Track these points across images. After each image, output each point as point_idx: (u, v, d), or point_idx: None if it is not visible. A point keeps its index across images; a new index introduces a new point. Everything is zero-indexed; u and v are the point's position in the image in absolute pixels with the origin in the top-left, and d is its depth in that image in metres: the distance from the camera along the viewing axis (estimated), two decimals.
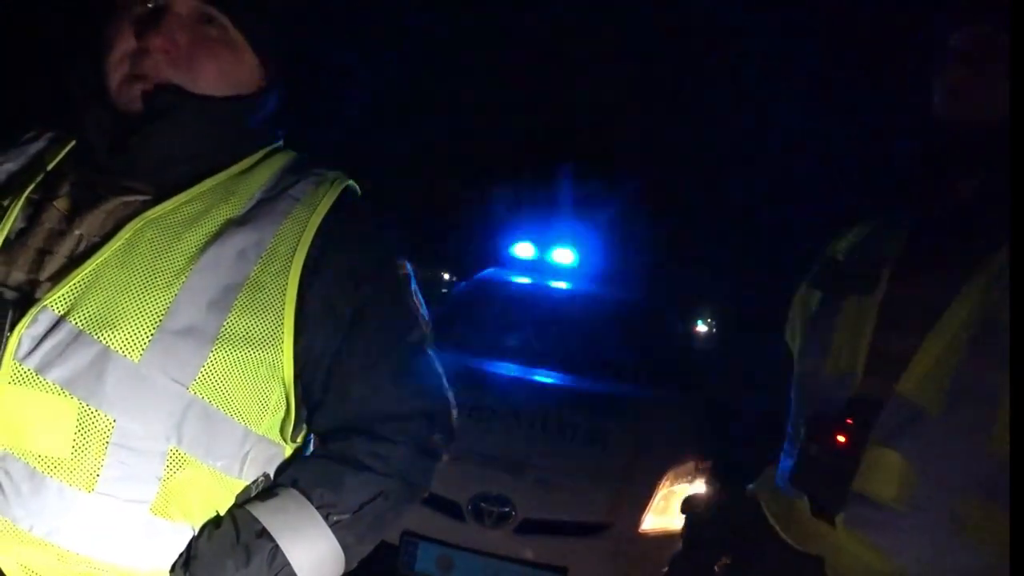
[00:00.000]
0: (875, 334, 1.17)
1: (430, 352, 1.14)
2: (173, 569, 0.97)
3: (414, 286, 1.15)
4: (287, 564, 0.97)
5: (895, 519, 1.08)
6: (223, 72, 1.04)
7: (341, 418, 1.08)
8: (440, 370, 1.14)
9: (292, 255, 1.02)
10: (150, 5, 1.01)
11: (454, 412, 1.14)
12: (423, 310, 1.15)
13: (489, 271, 4.77)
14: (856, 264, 1.29)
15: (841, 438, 1.12)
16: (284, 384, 1.02)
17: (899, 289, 1.19)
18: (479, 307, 4.28)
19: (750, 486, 1.39)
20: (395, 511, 1.07)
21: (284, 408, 1.05)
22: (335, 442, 1.08)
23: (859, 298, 1.22)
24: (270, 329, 1.00)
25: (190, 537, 0.99)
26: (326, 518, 1.01)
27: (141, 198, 1.02)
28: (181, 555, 0.98)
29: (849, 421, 1.12)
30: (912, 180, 1.27)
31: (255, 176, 1.08)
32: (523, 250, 4.70)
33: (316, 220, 1.05)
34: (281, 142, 1.18)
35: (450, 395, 1.14)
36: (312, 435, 1.14)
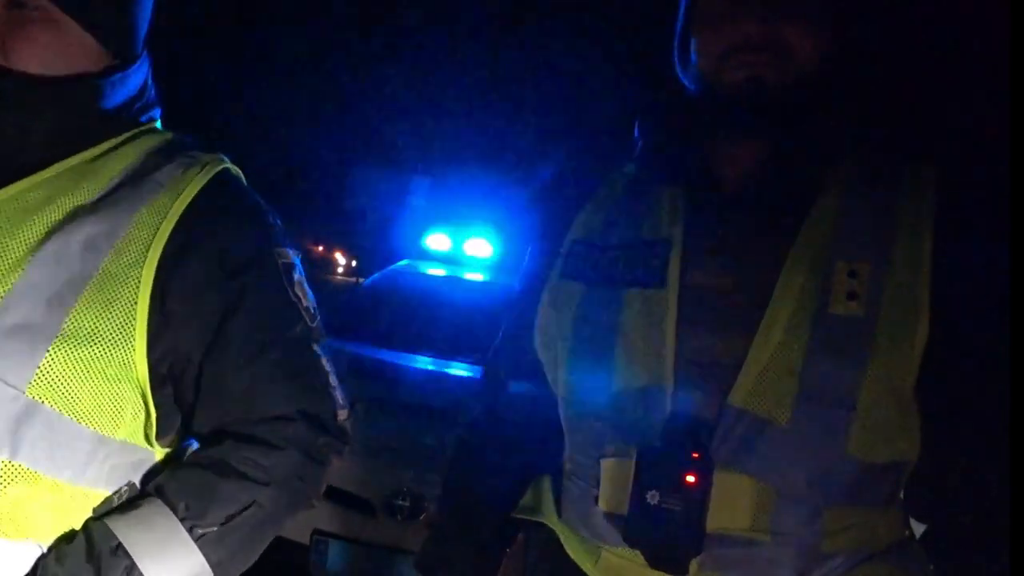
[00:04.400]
0: (679, 336, 0.97)
1: (316, 348, 1.06)
2: None
3: (299, 276, 1.07)
4: None
5: (755, 550, 0.93)
6: (41, 53, 0.96)
7: (216, 420, 1.01)
8: (328, 368, 1.07)
9: (149, 244, 0.95)
10: None
11: (342, 413, 1.06)
12: (309, 302, 1.07)
13: (403, 263, 4.70)
14: (628, 248, 1.05)
15: (691, 478, 0.92)
16: (140, 385, 0.95)
17: (696, 279, 0.99)
18: (392, 300, 4.23)
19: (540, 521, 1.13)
20: (273, 521, 1.01)
21: (144, 411, 0.97)
22: (210, 447, 1.01)
23: (643, 292, 1.00)
24: (119, 326, 0.93)
25: (38, 556, 0.92)
26: (190, 531, 0.94)
27: None
28: None
29: (696, 455, 0.92)
30: (674, 147, 1.06)
31: (114, 160, 1.00)
32: (436, 241, 4.63)
33: (180, 207, 0.97)
34: (157, 123, 1.10)
35: (338, 395, 1.07)
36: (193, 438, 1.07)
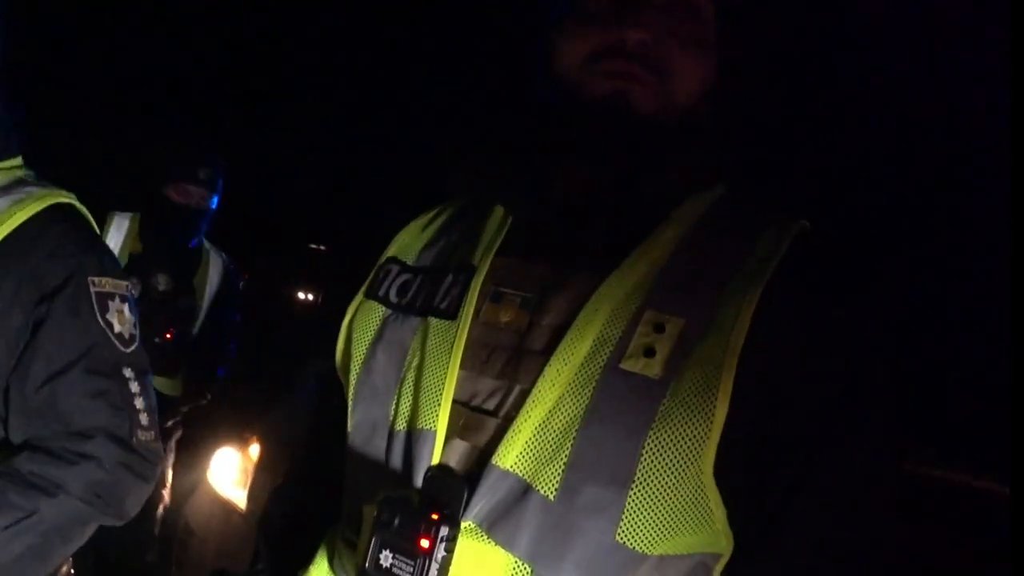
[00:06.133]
0: (461, 377, 0.84)
1: (125, 372, 1.15)
2: None
3: (118, 304, 1.18)
4: None
5: None
6: None
7: (23, 433, 1.11)
8: (136, 390, 1.15)
9: None
10: None
11: (144, 434, 1.15)
12: (126, 330, 1.18)
13: None
14: (436, 273, 0.93)
15: (425, 542, 0.76)
16: None
17: (493, 315, 0.86)
18: None
19: None
20: (62, 533, 1.07)
21: None
22: (13, 457, 1.09)
23: (442, 324, 0.88)
24: None
25: None
26: None
27: None
28: None
29: (435, 516, 0.77)
30: (511, 167, 0.96)
31: None
32: None
33: (1, 234, 1.07)
34: (19, 159, 1.20)
35: (143, 417, 1.16)
36: None
